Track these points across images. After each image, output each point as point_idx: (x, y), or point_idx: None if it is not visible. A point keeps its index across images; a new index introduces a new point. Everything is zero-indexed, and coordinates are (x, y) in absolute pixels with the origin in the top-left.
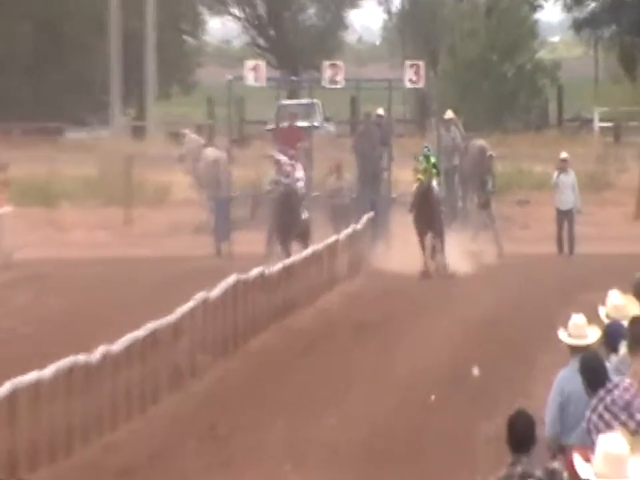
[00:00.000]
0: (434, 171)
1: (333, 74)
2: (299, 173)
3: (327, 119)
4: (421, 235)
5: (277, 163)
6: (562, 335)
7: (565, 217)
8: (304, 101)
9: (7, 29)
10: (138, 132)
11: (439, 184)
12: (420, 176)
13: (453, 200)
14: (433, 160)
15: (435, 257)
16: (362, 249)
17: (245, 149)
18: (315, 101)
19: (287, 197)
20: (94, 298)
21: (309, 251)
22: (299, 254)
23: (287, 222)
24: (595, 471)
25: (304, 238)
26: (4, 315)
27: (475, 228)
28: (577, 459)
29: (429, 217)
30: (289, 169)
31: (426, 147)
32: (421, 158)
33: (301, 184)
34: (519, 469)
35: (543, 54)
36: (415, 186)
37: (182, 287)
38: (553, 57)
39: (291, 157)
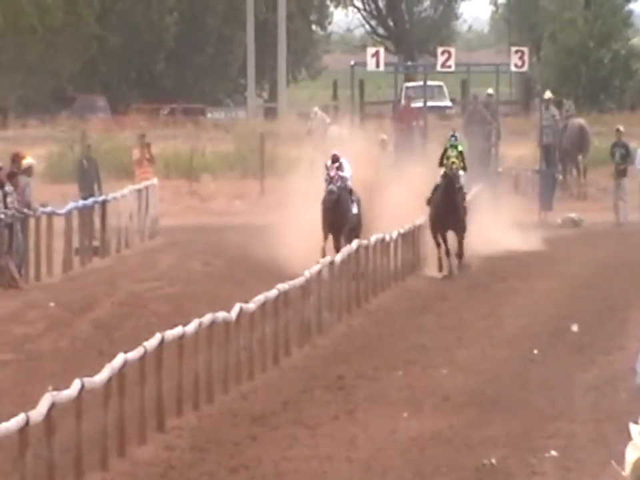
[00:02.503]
0: (460, 163)
1: (446, 59)
2: (345, 172)
3: (452, 100)
4: (436, 232)
5: (326, 169)
6: None
7: None
8: (432, 83)
9: (155, 20)
10: (270, 112)
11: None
12: (454, 160)
13: (552, 172)
14: (460, 149)
15: (451, 258)
16: (471, 218)
17: (365, 128)
18: (441, 83)
19: (332, 203)
20: (232, 261)
21: (422, 218)
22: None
23: (336, 223)
24: None
25: (356, 231)
26: (152, 277)
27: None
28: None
29: (450, 209)
30: (332, 173)
31: (453, 136)
32: (449, 145)
33: (347, 182)
34: None
35: (636, 41)
36: (440, 175)
37: (312, 251)
38: None
39: (333, 160)
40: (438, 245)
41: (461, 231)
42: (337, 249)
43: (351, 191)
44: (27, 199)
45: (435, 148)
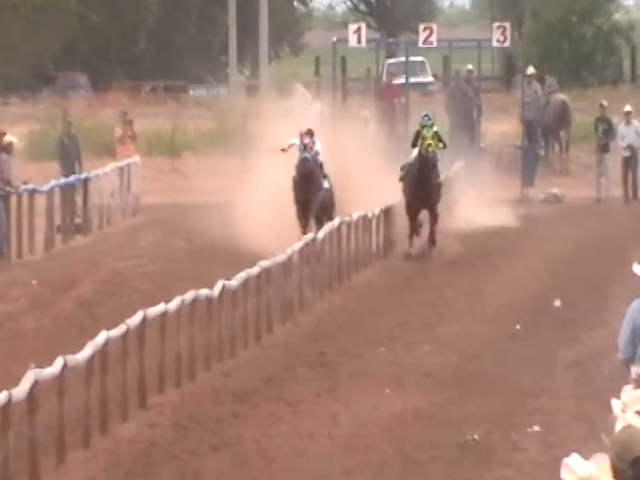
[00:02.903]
0: (439, 144)
1: (427, 35)
2: (317, 147)
3: (434, 76)
4: (411, 209)
5: (300, 137)
6: (637, 268)
7: (628, 163)
8: (414, 59)
9: None
10: (252, 89)
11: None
12: (429, 141)
13: (534, 148)
14: (435, 129)
15: (420, 235)
16: (454, 195)
17: (346, 104)
18: (423, 59)
19: (305, 170)
20: (214, 238)
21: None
22: (325, 224)
23: (307, 194)
24: None
25: (328, 212)
26: (134, 254)
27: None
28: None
29: (425, 188)
30: (307, 141)
31: (426, 116)
32: (421, 126)
33: (319, 157)
34: None
35: (618, 16)
36: (414, 152)
37: (294, 228)
38: (627, 19)
39: (307, 134)
40: (411, 221)
41: (433, 208)
42: (308, 225)
43: (321, 166)
44: (6, 176)
45: (416, 125)
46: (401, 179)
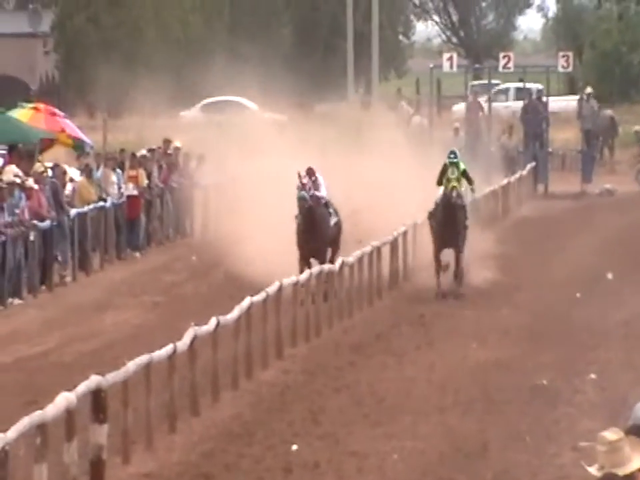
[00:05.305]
0: (463, 179)
1: (506, 62)
2: (322, 189)
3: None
4: (438, 248)
5: (299, 177)
6: None
7: None
8: (494, 81)
9: (270, 31)
10: (365, 104)
11: (472, 190)
12: (454, 184)
13: (592, 153)
14: (462, 166)
15: (448, 272)
16: (527, 188)
17: (441, 117)
18: (499, 81)
19: (305, 210)
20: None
21: (491, 187)
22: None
23: (311, 242)
24: None
25: (334, 242)
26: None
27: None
28: None
29: (451, 230)
30: (305, 181)
31: (452, 153)
32: (448, 163)
33: (324, 193)
34: None
35: None
36: (440, 191)
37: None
38: None
39: (310, 173)
40: (437, 260)
41: (459, 249)
42: (309, 262)
43: (327, 204)
44: (170, 176)
45: (496, 134)
46: (430, 216)
